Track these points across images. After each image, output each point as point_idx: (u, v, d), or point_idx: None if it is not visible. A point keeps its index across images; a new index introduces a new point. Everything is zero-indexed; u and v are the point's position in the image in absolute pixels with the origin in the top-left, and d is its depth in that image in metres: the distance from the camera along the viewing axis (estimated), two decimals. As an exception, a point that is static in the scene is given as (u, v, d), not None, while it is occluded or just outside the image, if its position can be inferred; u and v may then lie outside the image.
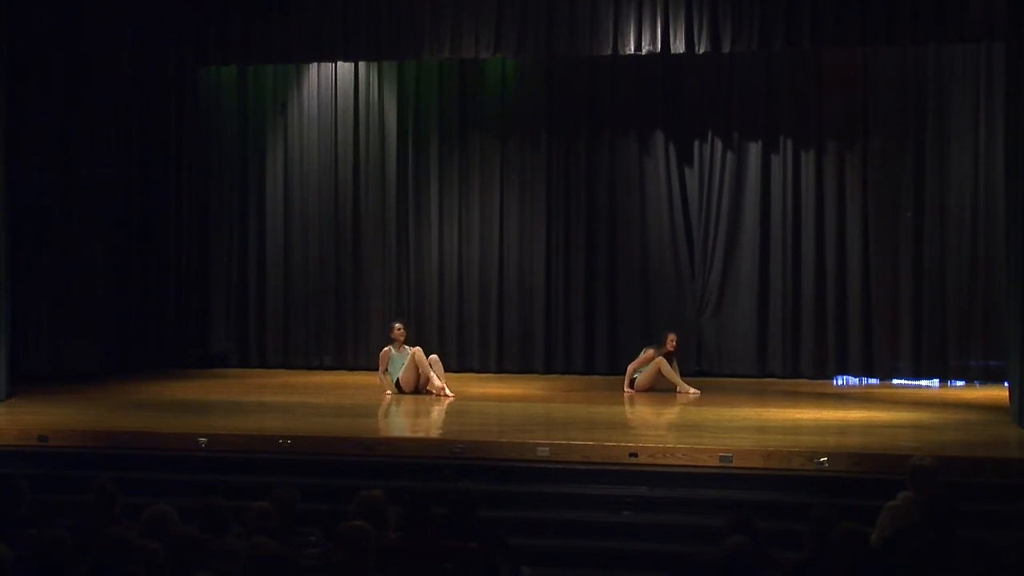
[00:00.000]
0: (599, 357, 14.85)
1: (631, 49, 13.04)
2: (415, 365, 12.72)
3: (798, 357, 14.43)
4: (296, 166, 15.51)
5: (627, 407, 12.51)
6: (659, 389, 13.07)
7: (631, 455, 9.58)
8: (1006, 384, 11.57)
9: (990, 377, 13.53)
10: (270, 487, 7.15)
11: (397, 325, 13.11)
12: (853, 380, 14.18)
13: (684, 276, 14.77)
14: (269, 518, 6.41)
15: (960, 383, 13.88)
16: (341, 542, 5.74)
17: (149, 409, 11.89)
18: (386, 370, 12.91)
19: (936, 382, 13.94)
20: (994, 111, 13.43)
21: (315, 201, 15.45)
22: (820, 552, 5.97)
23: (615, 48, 13.09)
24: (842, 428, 11.05)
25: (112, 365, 14.38)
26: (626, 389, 13.08)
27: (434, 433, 11.20)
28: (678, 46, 12.91)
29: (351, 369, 14.84)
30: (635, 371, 13.19)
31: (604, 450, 9.70)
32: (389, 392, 12.76)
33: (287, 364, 15.21)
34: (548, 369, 14.86)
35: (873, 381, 14.12)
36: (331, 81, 15.40)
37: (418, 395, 12.66)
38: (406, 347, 12.95)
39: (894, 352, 14.17)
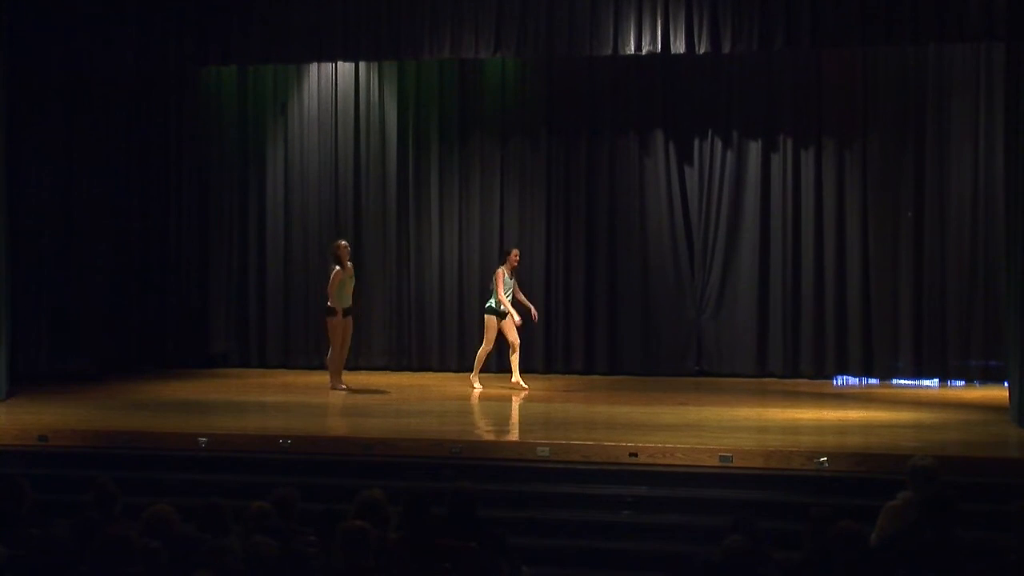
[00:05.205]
0: (599, 357, 14.84)
1: (631, 49, 13.01)
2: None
3: (798, 357, 14.41)
4: (296, 166, 15.51)
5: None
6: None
7: (631, 455, 9.60)
8: (1006, 384, 11.58)
9: (990, 377, 13.52)
10: (270, 487, 7.15)
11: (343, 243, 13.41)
12: (853, 380, 14.17)
13: (684, 276, 14.75)
14: (269, 518, 6.41)
15: (960, 383, 13.86)
16: (341, 542, 5.74)
17: (149, 409, 11.90)
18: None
19: (936, 382, 13.93)
20: (994, 111, 13.42)
21: (315, 201, 15.45)
22: (820, 552, 5.98)
23: (615, 48, 13.05)
24: (842, 428, 11.05)
25: (112, 365, 14.38)
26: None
27: (434, 433, 11.20)
28: (678, 46, 12.88)
29: (351, 369, 14.79)
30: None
31: (604, 450, 9.71)
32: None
33: (287, 364, 15.21)
34: (548, 369, 14.85)
35: (873, 381, 14.10)
36: (331, 81, 15.40)
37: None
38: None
39: (894, 352, 14.15)
